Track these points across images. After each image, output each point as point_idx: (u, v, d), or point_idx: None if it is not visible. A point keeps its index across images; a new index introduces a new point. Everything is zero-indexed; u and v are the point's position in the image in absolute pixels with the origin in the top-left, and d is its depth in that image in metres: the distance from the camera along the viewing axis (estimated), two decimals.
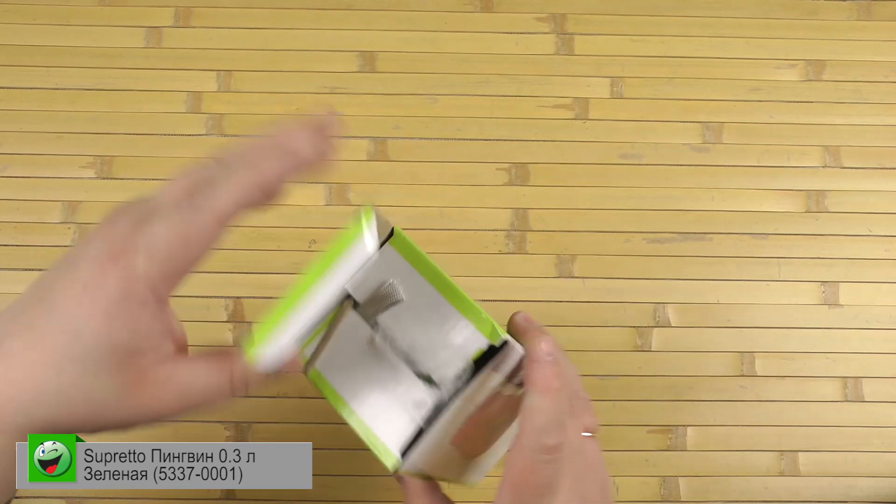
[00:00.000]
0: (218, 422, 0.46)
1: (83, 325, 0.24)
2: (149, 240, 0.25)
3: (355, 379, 0.31)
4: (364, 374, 0.31)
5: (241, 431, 0.46)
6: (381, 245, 0.31)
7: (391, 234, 0.31)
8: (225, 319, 0.47)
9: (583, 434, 0.30)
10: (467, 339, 0.30)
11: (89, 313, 0.24)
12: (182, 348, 0.28)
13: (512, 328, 0.32)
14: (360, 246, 0.30)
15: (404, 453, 0.30)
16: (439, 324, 0.30)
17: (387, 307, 0.31)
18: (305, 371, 0.31)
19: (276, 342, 0.28)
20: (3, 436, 0.24)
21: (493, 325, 0.30)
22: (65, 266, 0.25)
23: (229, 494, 0.45)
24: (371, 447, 0.30)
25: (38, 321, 0.25)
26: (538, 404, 0.28)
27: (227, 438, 0.45)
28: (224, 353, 0.28)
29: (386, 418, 0.30)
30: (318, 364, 0.31)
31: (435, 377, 0.30)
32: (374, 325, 0.31)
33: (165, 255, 0.25)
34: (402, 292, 0.31)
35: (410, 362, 0.31)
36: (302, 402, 0.46)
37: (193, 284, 0.40)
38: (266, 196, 0.28)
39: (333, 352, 0.31)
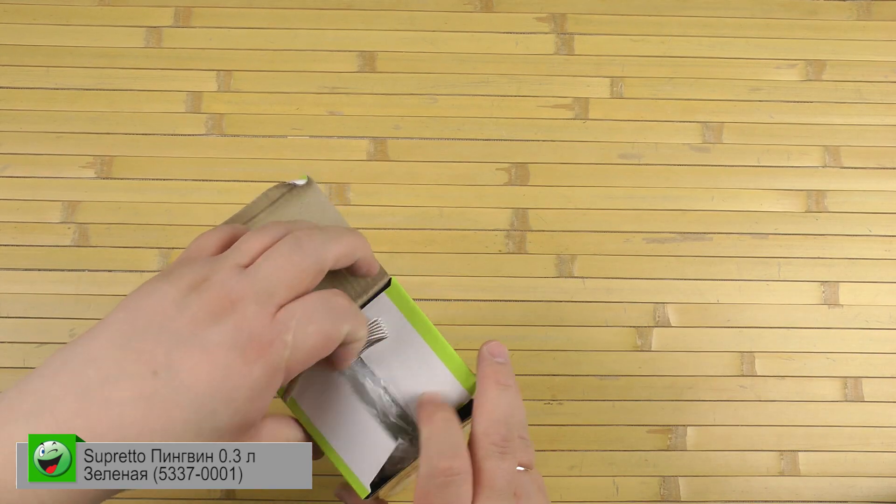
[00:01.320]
0: None
1: (221, 407, 0.27)
2: (299, 338, 0.28)
3: (331, 412, 0.32)
4: (343, 409, 0.32)
5: None
6: (377, 294, 0.33)
7: (388, 284, 0.33)
8: None
9: (517, 469, 0.31)
10: (449, 392, 0.32)
11: (230, 398, 0.27)
12: None
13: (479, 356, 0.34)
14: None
15: (375, 485, 0.32)
16: (424, 374, 0.32)
17: (370, 343, 0.32)
18: (284, 398, 0.32)
19: None
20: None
21: (475, 383, 0.32)
22: (182, 341, 0.27)
23: (229, 494, 0.45)
24: (344, 475, 0.32)
25: (160, 394, 0.26)
26: (426, 434, 0.30)
27: None
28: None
29: (359, 453, 0.32)
30: (294, 393, 0.32)
31: (410, 428, 0.32)
32: (358, 360, 0.33)
33: (310, 354, 0.28)
34: (386, 330, 0.32)
35: (389, 409, 0.32)
36: None
37: None
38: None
39: (309, 383, 0.32)
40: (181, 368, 0.26)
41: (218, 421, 0.27)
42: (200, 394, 0.26)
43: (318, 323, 0.28)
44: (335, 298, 0.29)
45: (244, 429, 0.28)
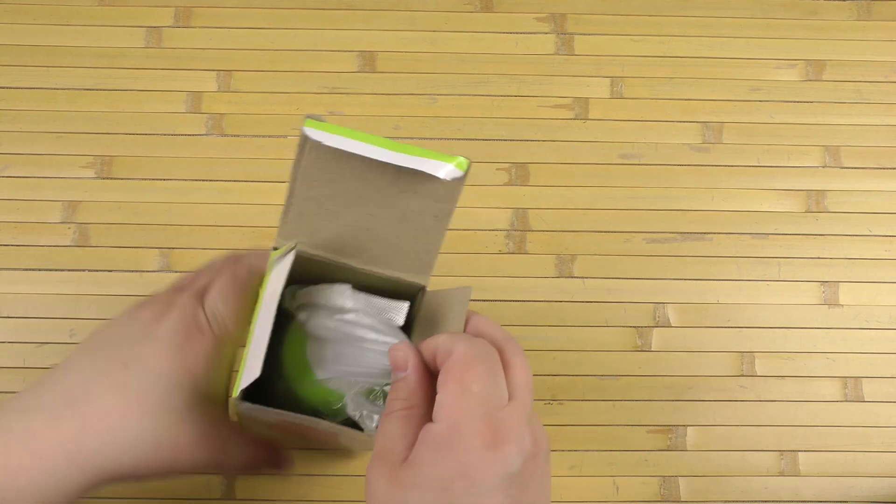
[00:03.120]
0: None
1: (185, 380, 0.31)
2: (219, 311, 0.32)
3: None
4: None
5: None
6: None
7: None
8: None
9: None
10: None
11: (185, 369, 0.31)
12: None
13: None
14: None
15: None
16: None
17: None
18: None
19: (247, 374, 0.29)
20: (84, 476, 0.30)
21: None
22: (142, 339, 0.31)
23: (229, 494, 0.45)
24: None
25: (131, 383, 0.30)
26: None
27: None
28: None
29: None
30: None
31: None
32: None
33: (226, 316, 0.33)
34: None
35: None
36: None
37: None
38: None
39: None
40: (146, 357, 0.31)
41: (182, 393, 0.31)
42: (165, 374, 0.31)
43: (224, 292, 0.33)
44: (239, 269, 0.34)
45: (207, 404, 0.32)
